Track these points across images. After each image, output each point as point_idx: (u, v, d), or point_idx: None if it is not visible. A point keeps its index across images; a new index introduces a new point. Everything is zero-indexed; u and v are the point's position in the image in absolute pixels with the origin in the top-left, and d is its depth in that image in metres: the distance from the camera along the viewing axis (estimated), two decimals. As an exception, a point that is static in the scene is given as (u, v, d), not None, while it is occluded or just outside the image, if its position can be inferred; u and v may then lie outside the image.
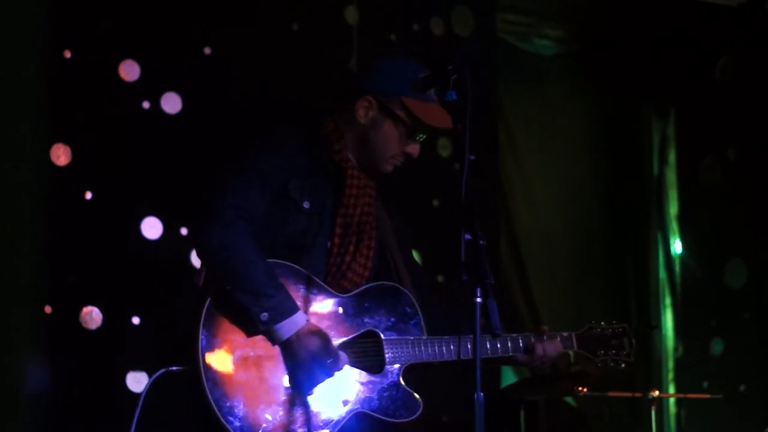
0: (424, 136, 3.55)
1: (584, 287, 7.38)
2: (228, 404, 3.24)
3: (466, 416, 3.09)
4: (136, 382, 5.22)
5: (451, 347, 3.53)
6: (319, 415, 3.36)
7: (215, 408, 3.22)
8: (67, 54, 5.28)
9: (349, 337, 3.44)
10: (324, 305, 3.42)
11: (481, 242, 3.12)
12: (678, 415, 7.42)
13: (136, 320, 5.29)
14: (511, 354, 3.65)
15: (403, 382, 3.47)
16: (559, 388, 5.67)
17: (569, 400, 6.61)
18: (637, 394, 5.78)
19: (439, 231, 6.07)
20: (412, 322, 3.52)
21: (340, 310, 3.45)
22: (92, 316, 5.19)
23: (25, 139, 5.19)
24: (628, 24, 7.34)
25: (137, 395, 3.44)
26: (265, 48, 5.78)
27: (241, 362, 3.28)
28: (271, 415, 3.29)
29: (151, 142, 5.39)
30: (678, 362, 7.48)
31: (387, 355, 3.46)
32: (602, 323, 3.83)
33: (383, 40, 6.24)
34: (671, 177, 7.65)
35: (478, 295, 3.10)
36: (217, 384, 3.24)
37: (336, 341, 3.42)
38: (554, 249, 7.24)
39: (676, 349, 7.50)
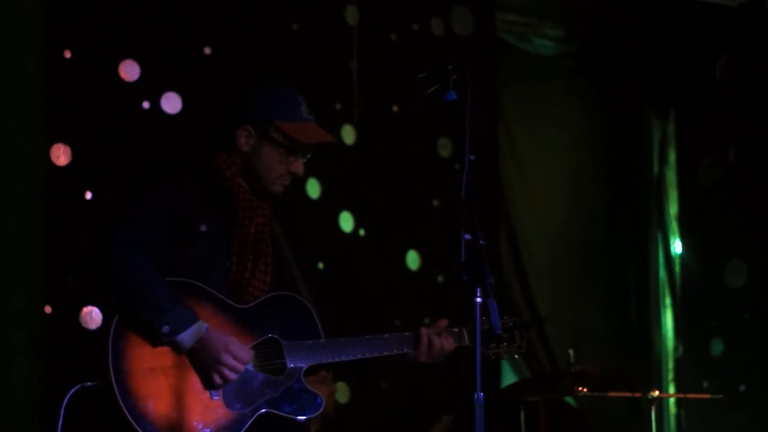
0: (309, 155, 3.77)
1: (584, 287, 7.38)
2: (140, 411, 3.44)
3: (466, 416, 3.11)
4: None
5: (347, 349, 3.72)
6: (227, 416, 3.55)
7: (129, 415, 3.42)
8: (67, 54, 5.28)
9: (252, 344, 3.61)
10: (225, 316, 3.62)
11: (481, 242, 3.16)
12: (678, 415, 7.43)
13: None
14: (386, 353, 3.78)
15: (305, 383, 3.65)
16: (559, 388, 5.67)
17: (569, 400, 6.61)
18: (637, 394, 5.78)
19: (439, 231, 6.09)
20: (308, 327, 3.70)
21: (241, 320, 3.63)
22: (92, 316, 5.19)
23: (25, 139, 5.19)
24: (628, 24, 7.35)
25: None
26: (265, 48, 5.78)
27: (149, 373, 3.48)
28: (182, 419, 3.50)
29: (151, 142, 5.39)
30: (678, 361, 7.49)
31: (288, 359, 3.63)
32: None
33: (383, 40, 6.25)
34: (671, 177, 7.66)
35: (478, 295, 3.14)
36: (129, 394, 3.44)
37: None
38: (554, 249, 7.24)
39: (676, 349, 7.51)
